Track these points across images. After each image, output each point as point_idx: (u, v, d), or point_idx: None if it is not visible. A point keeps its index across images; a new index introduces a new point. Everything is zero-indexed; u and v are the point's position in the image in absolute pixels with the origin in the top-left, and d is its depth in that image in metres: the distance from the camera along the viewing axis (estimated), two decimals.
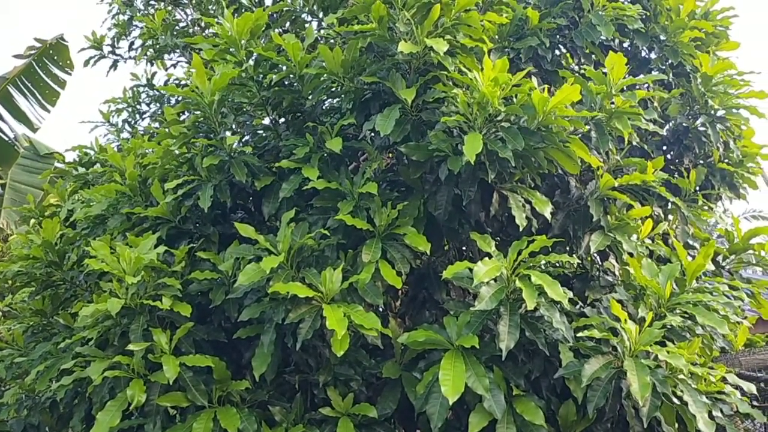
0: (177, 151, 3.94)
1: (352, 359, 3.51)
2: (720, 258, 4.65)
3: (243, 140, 4.25)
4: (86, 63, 7.94)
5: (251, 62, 3.85)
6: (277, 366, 3.44)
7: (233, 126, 4.00)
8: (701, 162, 4.79)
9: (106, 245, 3.49)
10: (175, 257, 3.63)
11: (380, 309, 3.84)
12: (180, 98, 4.07)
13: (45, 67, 9.05)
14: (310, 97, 3.91)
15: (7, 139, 9.11)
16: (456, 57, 3.62)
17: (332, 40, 4.48)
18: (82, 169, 5.29)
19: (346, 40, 4.01)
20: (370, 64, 3.79)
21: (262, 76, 3.92)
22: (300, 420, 3.52)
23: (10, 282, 4.51)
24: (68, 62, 9.10)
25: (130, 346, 3.27)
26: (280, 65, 3.90)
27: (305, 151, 3.72)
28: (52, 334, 4.30)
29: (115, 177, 4.20)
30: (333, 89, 3.99)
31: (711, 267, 4.04)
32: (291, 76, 3.87)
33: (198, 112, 3.78)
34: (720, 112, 4.64)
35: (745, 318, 4.22)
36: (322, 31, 4.49)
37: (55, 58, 9.06)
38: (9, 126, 9.13)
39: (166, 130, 3.92)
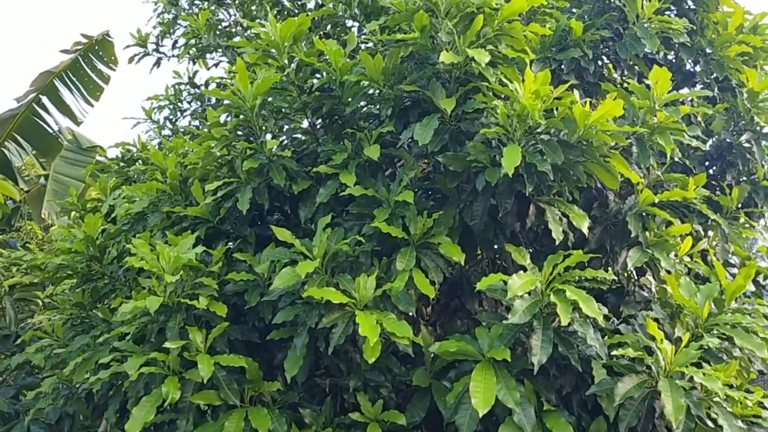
0: (218, 153, 4.00)
1: (382, 366, 3.53)
2: (761, 278, 4.55)
3: (282, 144, 4.30)
4: (131, 60, 8.11)
5: (293, 67, 3.88)
6: (309, 369, 3.47)
7: (273, 130, 4.04)
8: (744, 179, 4.68)
9: (146, 243, 3.56)
10: (212, 257, 3.68)
11: (411, 316, 3.84)
12: (221, 100, 4.12)
13: (90, 62, 9.23)
14: (349, 103, 3.93)
15: (51, 131, 9.35)
16: (497, 68, 3.60)
17: (372, 45, 4.49)
18: (124, 165, 5.41)
19: (387, 46, 4.01)
20: (410, 72, 3.79)
21: (303, 80, 3.95)
22: (329, 423, 3.56)
23: (51, 273, 4.62)
24: (113, 58, 9.27)
25: (167, 344, 3.33)
26: (321, 71, 3.93)
27: (343, 157, 3.73)
28: (90, 326, 4.40)
29: (156, 175, 4.27)
30: (372, 96, 4.00)
31: (751, 287, 3.96)
32: (331, 81, 3.89)
33: (240, 116, 3.82)
34: (766, 129, 4.53)
35: None
36: (362, 37, 4.50)
37: (101, 53, 9.24)
38: (54, 119, 9.35)
39: (208, 131, 3.98)
